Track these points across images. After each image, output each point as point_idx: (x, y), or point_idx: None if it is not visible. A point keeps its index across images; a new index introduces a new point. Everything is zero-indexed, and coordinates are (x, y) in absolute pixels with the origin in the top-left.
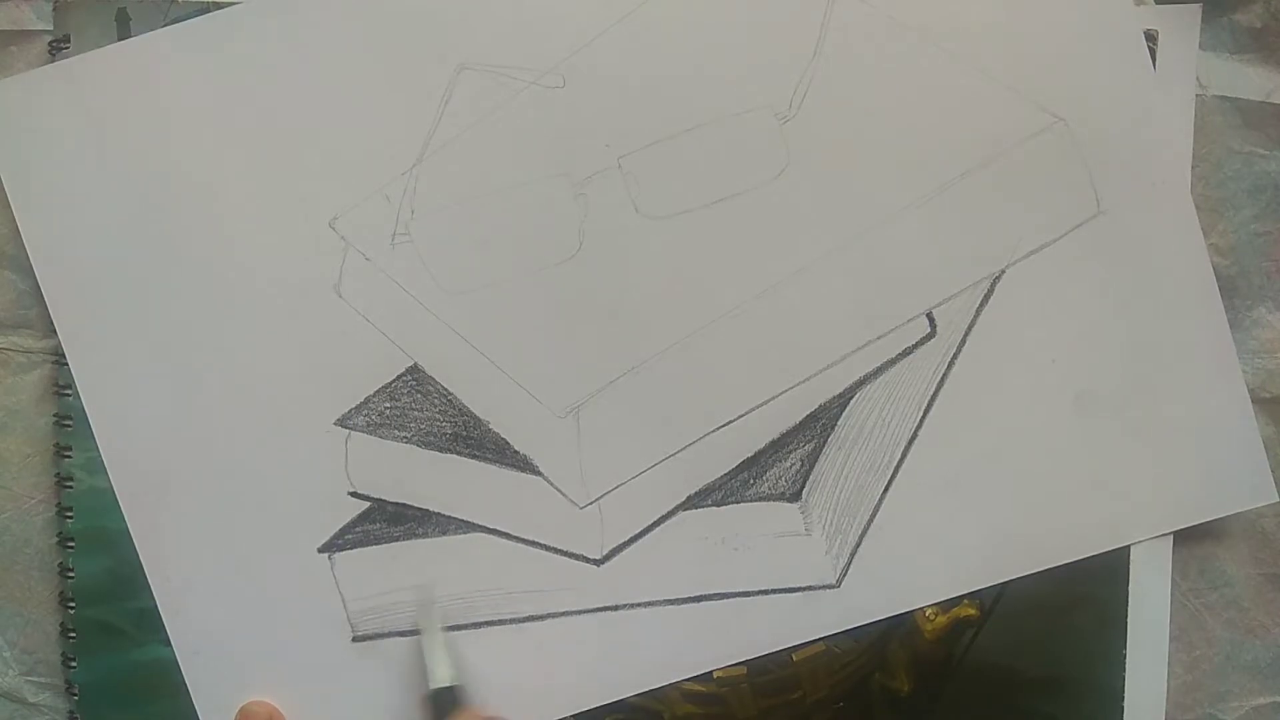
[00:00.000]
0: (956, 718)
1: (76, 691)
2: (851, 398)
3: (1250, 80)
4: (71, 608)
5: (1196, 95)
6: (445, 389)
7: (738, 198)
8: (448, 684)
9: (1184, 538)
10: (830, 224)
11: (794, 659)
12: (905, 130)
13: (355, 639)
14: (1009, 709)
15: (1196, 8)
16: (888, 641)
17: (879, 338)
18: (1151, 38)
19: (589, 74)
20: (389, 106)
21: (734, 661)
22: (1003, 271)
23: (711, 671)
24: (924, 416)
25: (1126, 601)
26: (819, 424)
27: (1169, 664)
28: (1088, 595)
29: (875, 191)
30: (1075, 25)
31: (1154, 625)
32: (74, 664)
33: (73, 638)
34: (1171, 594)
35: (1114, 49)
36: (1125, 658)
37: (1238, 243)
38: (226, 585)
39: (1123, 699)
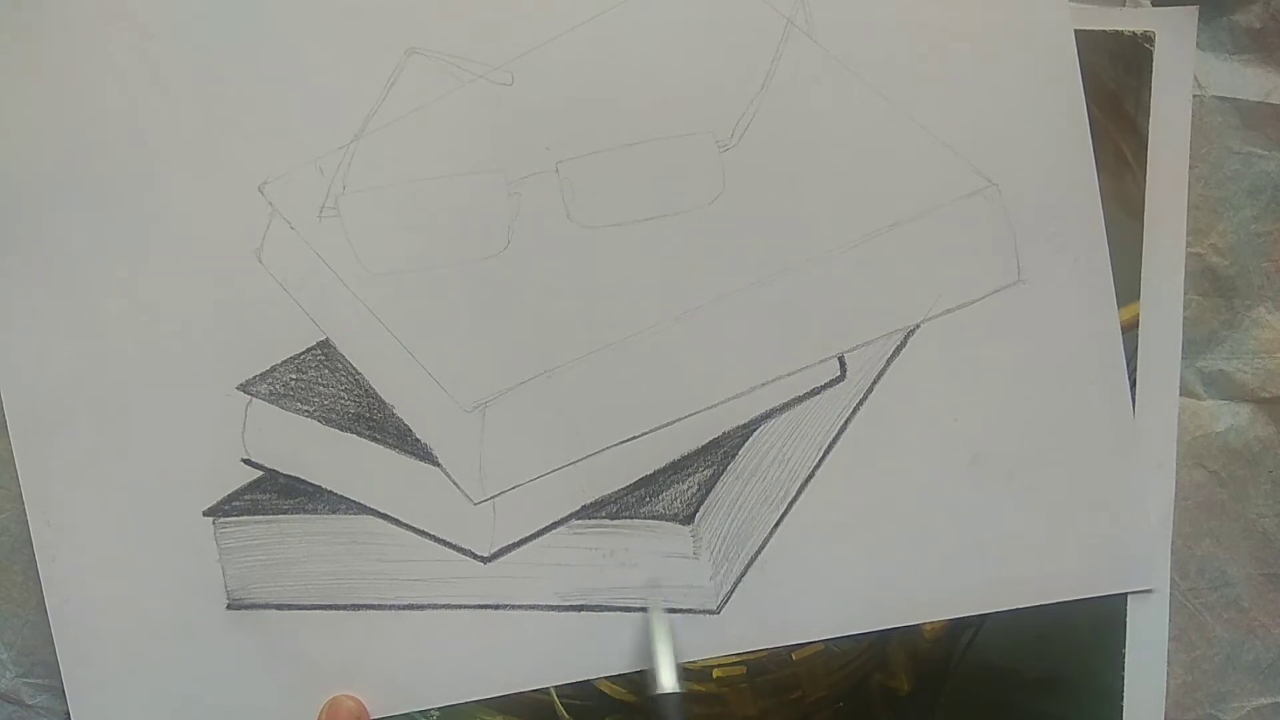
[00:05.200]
0: (956, 718)
1: None
2: (755, 429)
3: (1249, 80)
4: None
5: (1195, 96)
6: (354, 368)
7: (669, 218)
8: (670, 690)
9: (1184, 537)
10: (756, 256)
11: (794, 659)
12: (840, 174)
13: (230, 607)
14: (1009, 709)
15: (1193, 10)
16: (888, 641)
17: (789, 374)
18: (1148, 40)
19: (538, 75)
20: (334, 78)
21: (606, 674)
22: (918, 325)
23: (711, 671)
24: (823, 457)
25: (1126, 601)
26: (720, 451)
27: (1169, 664)
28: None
29: (804, 230)
30: (1021, 93)
31: (1154, 625)
32: None
33: None
34: (1171, 594)
35: (1057, 122)
36: (1125, 658)
37: (1237, 243)
38: (106, 535)
39: (1122, 699)
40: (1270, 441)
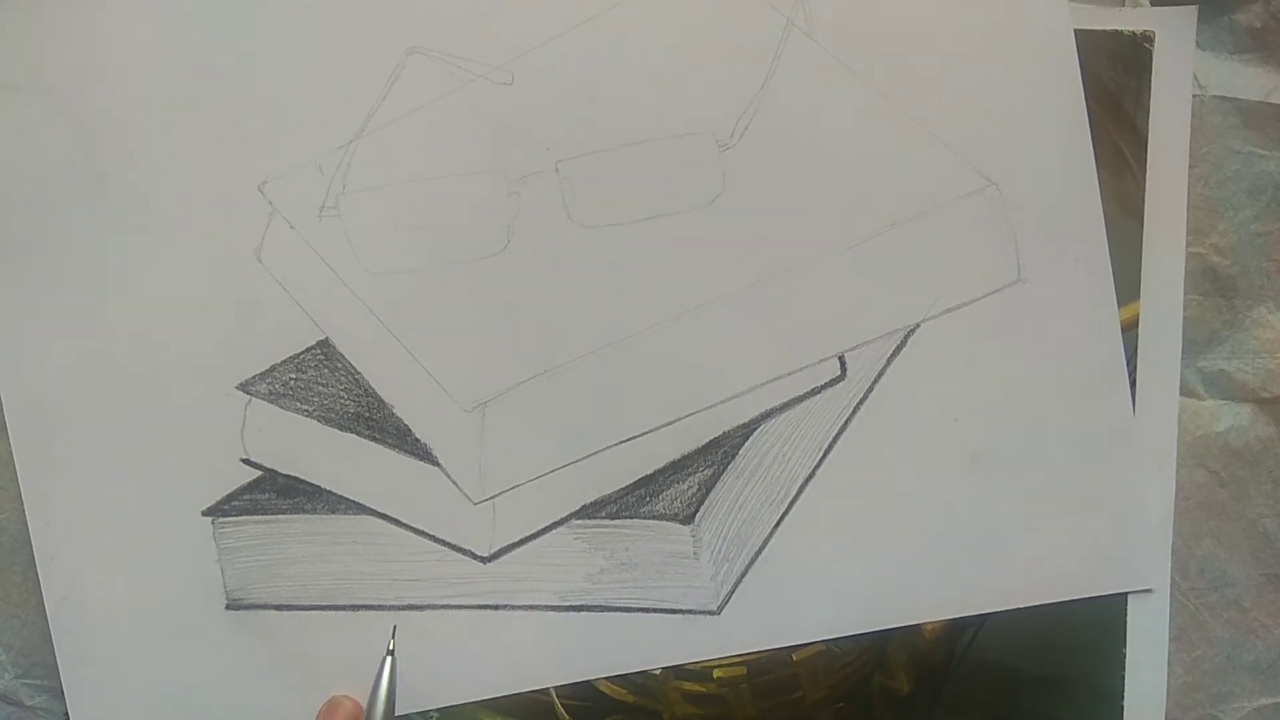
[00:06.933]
0: (956, 718)
1: None
2: (756, 429)
3: (1249, 80)
4: None
5: (1195, 95)
6: (353, 367)
7: (669, 218)
8: None
9: (1184, 537)
10: (756, 256)
11: (794, 659)
12: (840, 174)
13: (229, 607)
14: (1009, 709)
15: (1192, 10)
16: (888, 641)
17: (790, 374)
18: (1148, 40)
19: (538, 75)
20: (334, 78)
21: (607, 675)
22: (918, 325)
23: (711, 671)
24: (824, 457)
25: (1126, 601)
26: (721, 451)
27: (1169, 664)
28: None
29: (804, 230)
30: (1020, 93)
31: (1154, 625)
32: None
33: None
34: (1171, 594)
35: (1057, 122)
36: (1125, 658)
37: (1238, 243)
38: (105, 535)
39: (1123, 699)
40: (1271, 441)
